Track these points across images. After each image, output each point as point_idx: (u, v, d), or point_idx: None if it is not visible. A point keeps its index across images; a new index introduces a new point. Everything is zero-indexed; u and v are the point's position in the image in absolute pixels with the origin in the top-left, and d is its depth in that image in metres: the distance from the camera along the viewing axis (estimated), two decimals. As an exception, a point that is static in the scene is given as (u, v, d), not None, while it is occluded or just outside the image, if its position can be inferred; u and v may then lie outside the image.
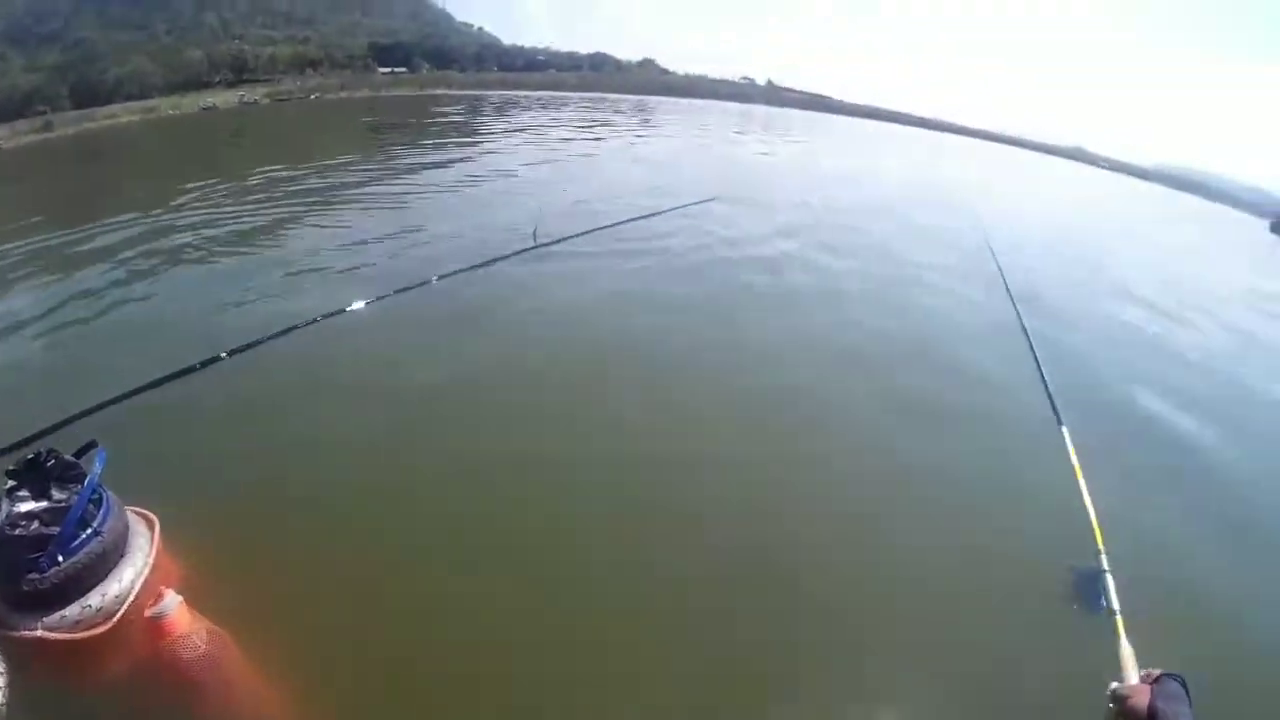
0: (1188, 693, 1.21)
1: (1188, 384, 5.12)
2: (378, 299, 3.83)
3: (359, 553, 2.50)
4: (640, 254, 6.16)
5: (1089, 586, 2.10)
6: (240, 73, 65.41)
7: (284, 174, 10.61)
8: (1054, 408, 3.00)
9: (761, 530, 2.82)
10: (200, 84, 58.04)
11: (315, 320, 3.47)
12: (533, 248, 5.16)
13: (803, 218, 8.82)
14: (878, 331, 5.17)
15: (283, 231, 6.97)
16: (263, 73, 67.27)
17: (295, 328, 3.30)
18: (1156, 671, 1.30)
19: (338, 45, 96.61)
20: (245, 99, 48.34)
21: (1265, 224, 41.09)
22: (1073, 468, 2.60)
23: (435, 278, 4.16)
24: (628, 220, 6.33)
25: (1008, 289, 4.72)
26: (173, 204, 8.35)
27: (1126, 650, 1.59)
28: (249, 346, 3.03)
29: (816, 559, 2.73)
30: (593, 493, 2.99)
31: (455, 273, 4.38)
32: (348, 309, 3.66)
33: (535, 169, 11.32)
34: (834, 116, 73.54)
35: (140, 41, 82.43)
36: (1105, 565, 2.13)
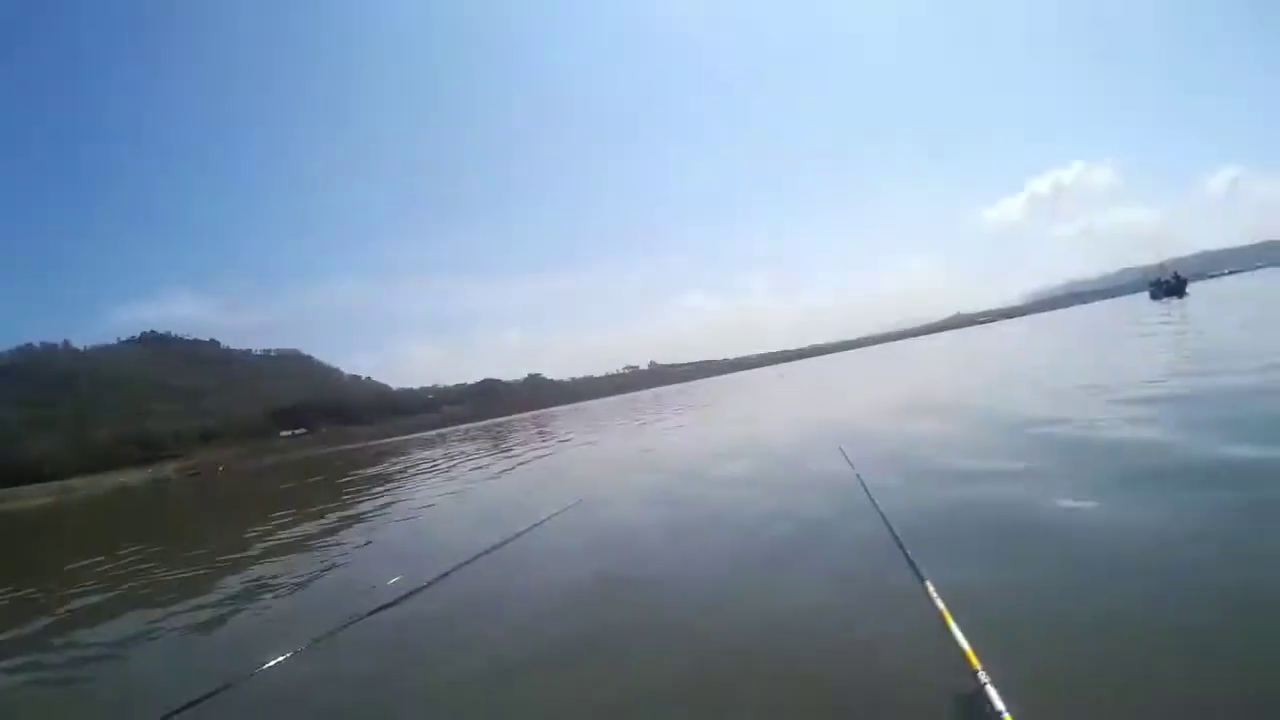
0: None
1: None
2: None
3: None
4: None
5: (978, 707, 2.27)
6: (147, 449, 67.47)
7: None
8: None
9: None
10: (110, 463, 59.03)
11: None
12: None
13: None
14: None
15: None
16: (169, 448, 69.50)
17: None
18: None
19: (237, 415, 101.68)
20: (156, 475, 49.95)
21: (1145, 295, 47.69)
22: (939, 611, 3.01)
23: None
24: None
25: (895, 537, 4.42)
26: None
27: None
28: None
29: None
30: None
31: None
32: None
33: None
34: (721, 377, 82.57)
35: (46, 417, 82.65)
36: (984, 680, 2.35)
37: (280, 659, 4.27)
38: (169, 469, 56.95)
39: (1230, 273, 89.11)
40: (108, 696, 4.46)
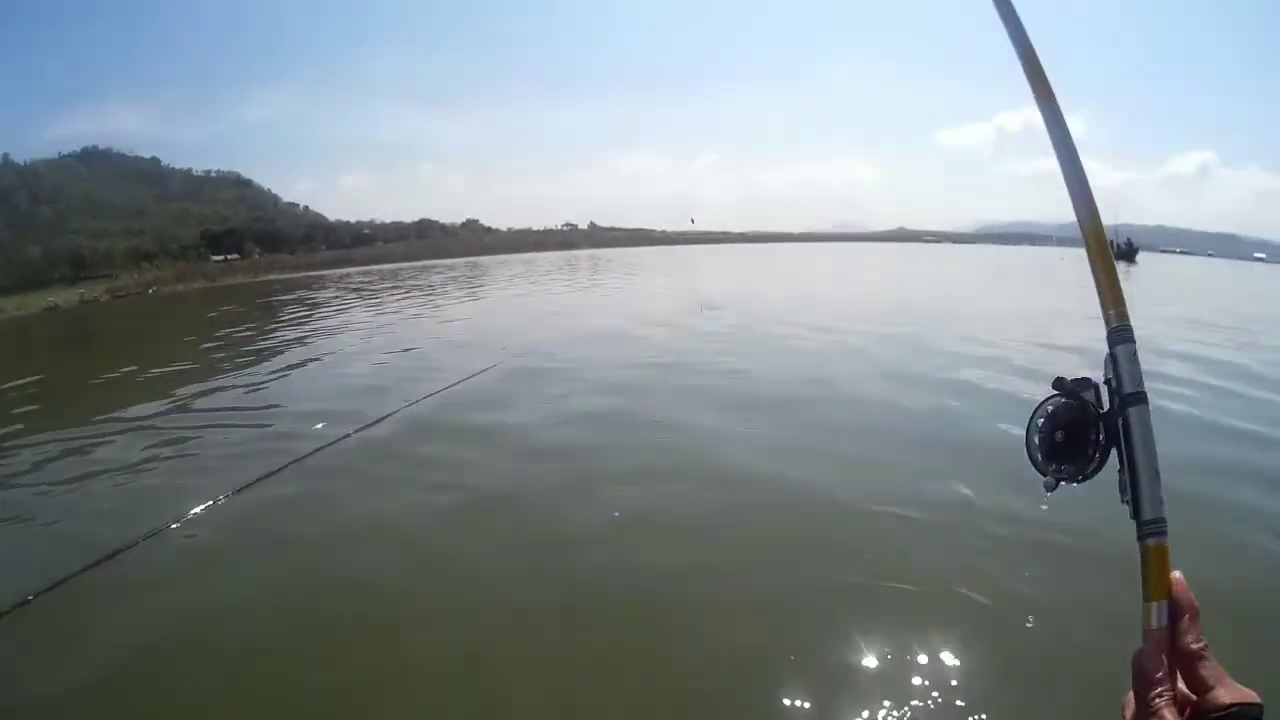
0: None
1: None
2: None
3: None
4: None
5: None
6: (79, 269, 67.78)
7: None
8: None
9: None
10: (40, 282, 59.37)
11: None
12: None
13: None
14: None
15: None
16: (100, 268, 69.59)
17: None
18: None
19: (170, 236, 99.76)
20: (85, 297, 50.93)
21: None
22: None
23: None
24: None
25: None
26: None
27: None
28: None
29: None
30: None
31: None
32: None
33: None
34: (658, 248, 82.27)
35: None
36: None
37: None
38: (100, 289, 57.44)
39: (1181, 252, 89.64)
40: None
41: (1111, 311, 0.70)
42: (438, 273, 42.59)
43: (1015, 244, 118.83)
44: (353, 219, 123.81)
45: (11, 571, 4.23)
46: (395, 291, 27.89)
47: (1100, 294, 0.71)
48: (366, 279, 39.59)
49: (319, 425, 7.12)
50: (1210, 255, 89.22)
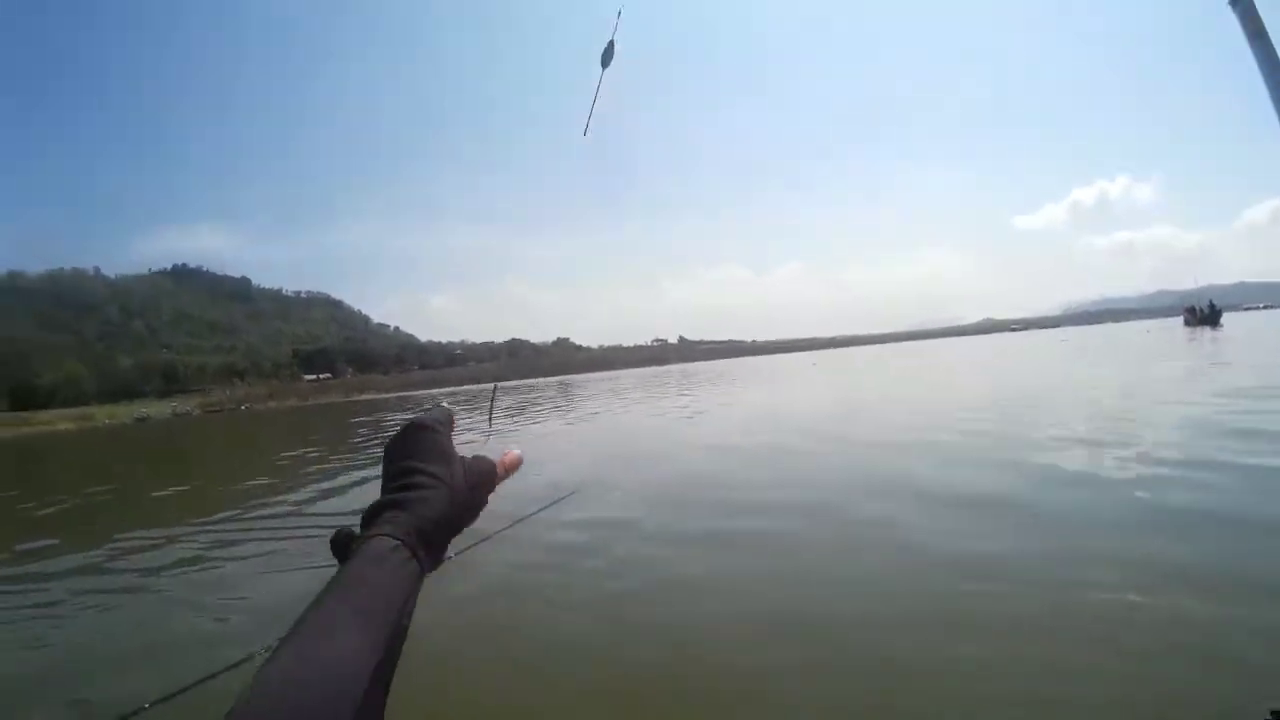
0: None
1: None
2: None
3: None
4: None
5: None
6: (171, 382, 67.26)
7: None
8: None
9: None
10: (132, 393, 58.81)
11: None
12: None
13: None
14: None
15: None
16: (192, 382, 69.54)
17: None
18: None
19: (262, 354, 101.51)
20: (178, 410, 49.39)
21: (1179, 320, 48.14)
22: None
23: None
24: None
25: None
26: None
27: None
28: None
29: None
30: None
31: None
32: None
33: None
34: (749, 358, 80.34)
35: (69, 343, 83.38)
36: None
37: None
38: (193, 403, 56.47)
39: (1265, 307, 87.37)
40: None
41: None
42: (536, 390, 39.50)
43: (1101, 322, 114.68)
44: (442, 339, 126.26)
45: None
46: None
47: None
48: (456, 398, 36.34)
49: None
50: None
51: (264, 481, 10.55)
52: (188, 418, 48.53)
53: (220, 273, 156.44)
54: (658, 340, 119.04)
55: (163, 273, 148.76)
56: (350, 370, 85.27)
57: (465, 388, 59.87)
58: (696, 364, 76.71)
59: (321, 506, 7.88)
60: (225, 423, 39.73)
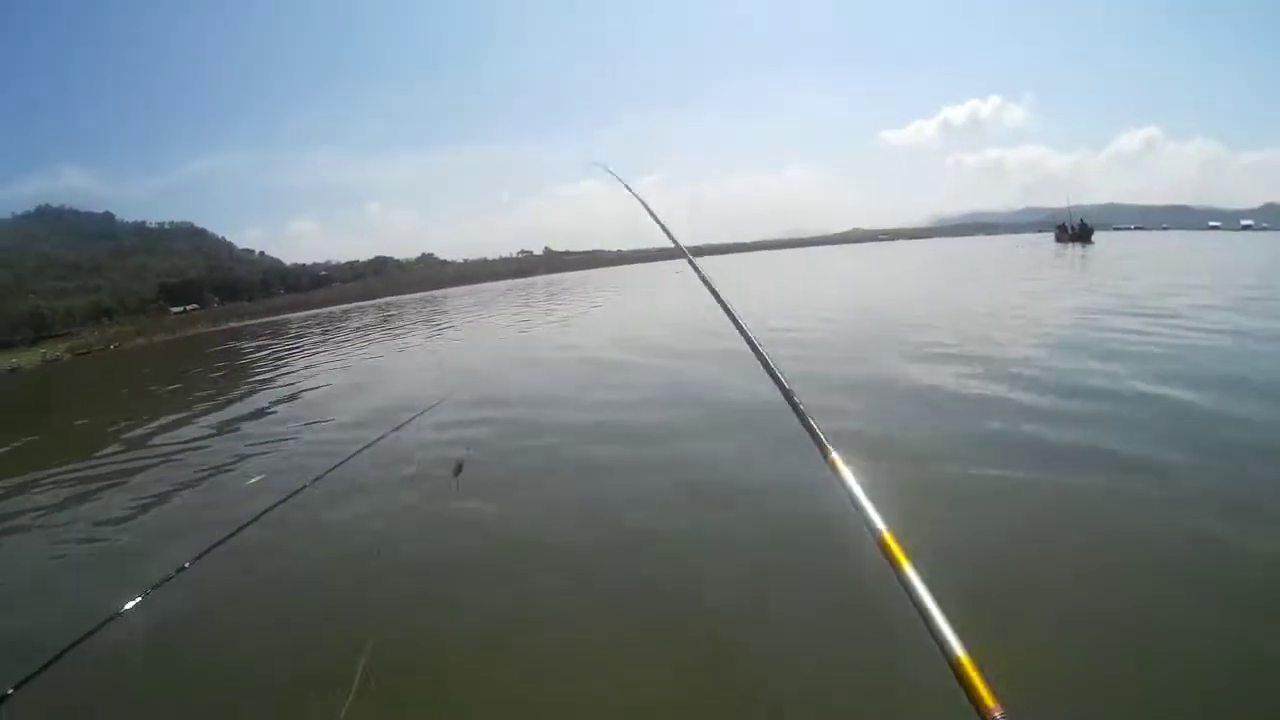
0: None
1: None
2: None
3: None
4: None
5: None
6: (40, 329, 68.30)
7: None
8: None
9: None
10: (4, 344, 59.74)
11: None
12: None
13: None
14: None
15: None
16: (60, 326, 70.38)
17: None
18: None
19: (129, 290, 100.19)
20: (47, 356, 51.84)
21: (1051, 235, 49.00)
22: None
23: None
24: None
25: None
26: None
27: None
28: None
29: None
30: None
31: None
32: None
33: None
34: (613, 268, 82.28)
35: None
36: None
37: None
38: (61, 348, 58.06)
39: (1136, 228, 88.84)
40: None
41: None
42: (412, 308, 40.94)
43: (972, 235, 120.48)
44: (307, 260, 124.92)
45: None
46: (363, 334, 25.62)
47: None
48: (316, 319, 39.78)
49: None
50: (1165, 228, 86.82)
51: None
52: (57, 364, 49.16)
53: (83, 209, 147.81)
54: (523, 252, 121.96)
55: (26, 216, 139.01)
56: (216, 300, 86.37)
57: (328, 309, 61.42)
58: (564, 274, 77.73)
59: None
60: (96, 365, 39.24)
